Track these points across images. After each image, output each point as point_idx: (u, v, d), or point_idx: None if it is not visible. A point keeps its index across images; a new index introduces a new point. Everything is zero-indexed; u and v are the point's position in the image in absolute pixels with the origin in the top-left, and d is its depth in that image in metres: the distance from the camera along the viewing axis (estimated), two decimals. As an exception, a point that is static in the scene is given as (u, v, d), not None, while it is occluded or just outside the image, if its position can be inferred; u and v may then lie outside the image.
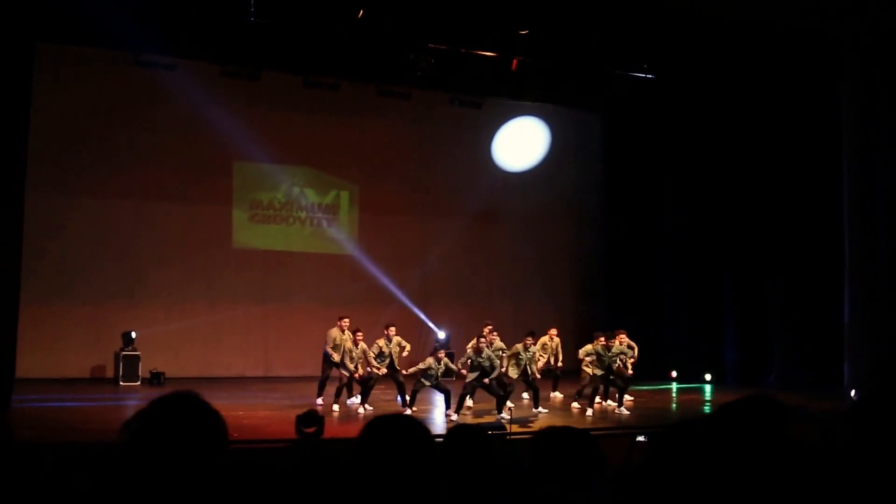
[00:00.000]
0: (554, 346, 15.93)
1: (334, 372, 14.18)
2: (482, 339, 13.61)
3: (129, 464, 2.03)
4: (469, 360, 13.21)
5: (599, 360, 14.29)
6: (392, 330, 14.27)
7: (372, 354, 13.84)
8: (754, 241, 18.54)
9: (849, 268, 16.02)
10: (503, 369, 13.77)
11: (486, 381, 13.03)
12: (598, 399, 14.54)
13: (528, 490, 3.16)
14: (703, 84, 18.72)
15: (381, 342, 14.06)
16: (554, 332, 16.13)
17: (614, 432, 11.59)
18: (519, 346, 14.20)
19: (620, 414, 14.08)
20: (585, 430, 3.60)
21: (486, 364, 13.11)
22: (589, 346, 14.59)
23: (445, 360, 13.42)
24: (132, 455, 2.04)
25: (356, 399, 14.19)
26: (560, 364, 15.96)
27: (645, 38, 16.76)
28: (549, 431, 3.35)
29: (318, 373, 14.51)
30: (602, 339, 14.43)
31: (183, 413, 2.09)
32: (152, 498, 2.00)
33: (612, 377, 14.29)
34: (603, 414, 14.19)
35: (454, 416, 12.96)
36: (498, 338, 14.49)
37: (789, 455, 3.17)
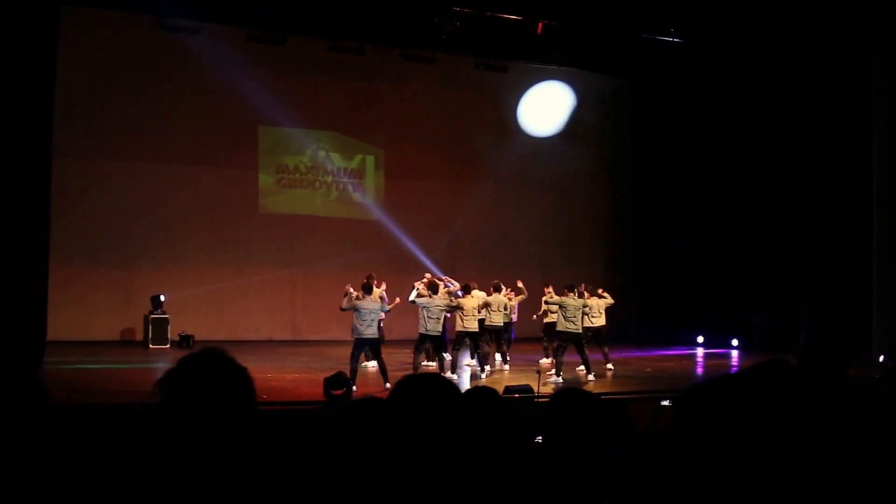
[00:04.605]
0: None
1: None
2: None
3: (164, 421, 2.07)
4: None
5: None
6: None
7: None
8: (782, 205, 18.32)
9: (878, 232, 15.81)
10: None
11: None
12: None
13: (544, 455, 3.08)
14: (730, 48, 18.44)
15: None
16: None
17: (641, 397, 11.57)
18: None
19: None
20: (605, 395, 3.50)
21: None
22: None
23: None
24: (166, 413, 2.08)
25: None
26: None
27: (672, 1, 16.52)
28: (564, 394, 3.26)
29: (346, 336, 14.52)
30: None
31: (211, 369, 2.13)
32: (186, 454, 2.02)
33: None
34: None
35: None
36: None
37: (814, 420, 3.11)
